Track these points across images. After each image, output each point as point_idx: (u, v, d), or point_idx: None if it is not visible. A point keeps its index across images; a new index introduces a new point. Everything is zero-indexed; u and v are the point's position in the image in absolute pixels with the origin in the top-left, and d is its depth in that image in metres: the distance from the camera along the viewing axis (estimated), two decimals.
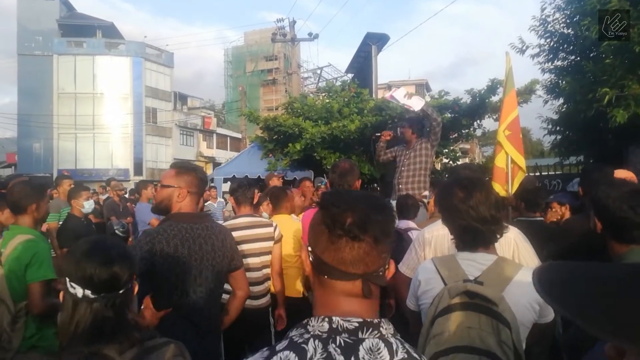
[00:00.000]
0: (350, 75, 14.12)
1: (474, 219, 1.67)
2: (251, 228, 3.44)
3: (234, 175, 11.55)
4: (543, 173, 8.98)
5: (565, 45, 7.84)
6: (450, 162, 10.91)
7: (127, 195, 10.50)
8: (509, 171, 5.33)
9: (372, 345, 0.94)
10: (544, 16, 7.82)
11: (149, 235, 2.20)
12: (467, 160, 16.89)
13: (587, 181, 3.30)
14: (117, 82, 35.37)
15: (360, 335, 0.94)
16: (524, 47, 8.07)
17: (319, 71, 28.36)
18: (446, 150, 10.56)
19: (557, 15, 7.82)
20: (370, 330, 0.95)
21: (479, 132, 10.80)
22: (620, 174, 2.81)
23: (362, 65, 12.50)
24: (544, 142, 13.41)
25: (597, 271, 0.61)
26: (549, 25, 7.83)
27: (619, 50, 6.02)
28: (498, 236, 1.74)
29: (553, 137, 9.31)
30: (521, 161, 5.37)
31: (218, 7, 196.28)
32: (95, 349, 1.32)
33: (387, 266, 1.01)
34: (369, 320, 0.96)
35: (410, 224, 4.08)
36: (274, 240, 3.54)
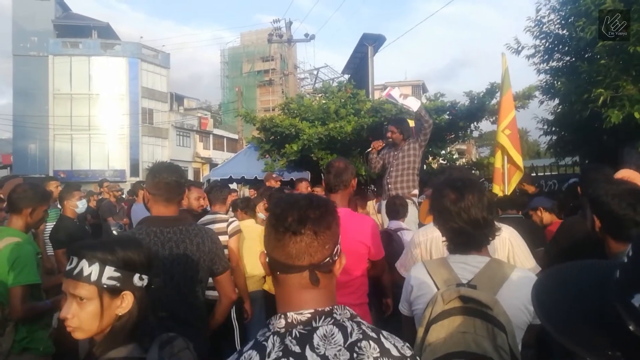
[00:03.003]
0: (346, 76, 14.12)
1: (465, 221, 1.63)
2: (210, 224, 3.66)
3: (230, 176, 11.53)
4: (539, 174, 9.02)
5: (561, 46, 7.87)
6: (447, 163, 10.93)
7: (124, 196, 10.49)
8: (505, 171, 5.39)
9: (326, 332, 1.01)
10: (539, 17, 7.85)
11: None
12: (463, 160, 16.93)
13: (585, 181, 3.30)
14: (113, 83, 35.27)
15: (314, 324, 1.02)
16: (520, 48, 8.11)
17: (315, 72, 28.37)
18: (443, 152, 10.58)
19: (552, 16, 7.85)
20: (323, 318, 1.03)
21: (475, 134, 10.82)
22: (625, 173, 2.82)
23: (358, 66, 12.50)
24: (540, 142, 13.47)
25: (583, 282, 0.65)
26: (544, 26, 7.86)
27: (614, 51, 6.04)
28: (490, 239, 1.71)
29: (549, 137, 9.34)
30: (519, 161, 5.42)
31: (214, 9, 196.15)
32: (126, 350, 1.30)
33: (335, 257, 1.08)
34: (320, 309, 1.04)
35: (401, 224, 4.13)
36: (228, 235, 3.79)
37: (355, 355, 1.01)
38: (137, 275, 1.34)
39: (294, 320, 1.03)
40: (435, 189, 1.80)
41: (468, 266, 1.65)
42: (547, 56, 8.09)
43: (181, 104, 44.14)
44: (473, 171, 9.37)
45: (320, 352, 0.99)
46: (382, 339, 1.08)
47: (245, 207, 4.91)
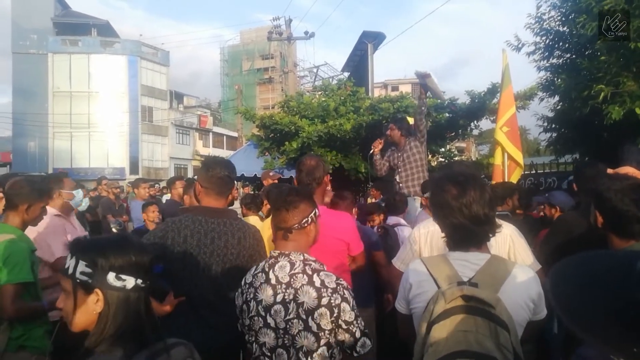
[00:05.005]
0: (346, 74, 14.10)
1: (466, 217, 1.59)
2: None
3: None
4: (539, 171, 9.02)
5: (561, 43, 7.84)
6: (446, 160, 10.92)
7: (123, 194, 10.48)
8: (505, 168, 5.37)
9: (282, 264, 1.83)
10: (539, 14, 7.82)
11: (165, 224, 2.33)
12: (463, 158, 16.90)
13: (581, 178, 3.29)
14: (112, 81, 35.23)
15: (278, 259, 1.85)
16: (520, 45, 8.08)
17: (315, 70, 28.38)
18: (443, 150, 10.56)
19: (552, 13, 7.81)
20: (283, 256, 1.85)
21: (475, 132, 10.80)
22: (625, 170, 2.80)
23: (358, 63, 12.49)
24: (540, 139, 13.47)
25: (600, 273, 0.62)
26: (545, 23, 7.83)
27: (614, 48, 6.02)
28: (490, 235, 1.68)
29: (549, 134, 9.32)
30: (519, 157, 5.41)
31: (214, 7, 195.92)
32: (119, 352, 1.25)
33: (304, 225, 1.88)
34: (283, 252, 1.86)
35: (400, 220, 4.15)
36: None
37: (292, 280, 1.79)
38: (111, 275, 1.29)
39: (271, 255, 1.89)
40: (436, 184, 1.76)
41: (469, 264, 1.62)
42: (547, 53, 8.06)
43: (181, 101, 44.11)
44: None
45: (276, 273, 1.82)
46: (314, 275, 1.78)
47: (249, 204, 4.92)
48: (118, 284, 1.29)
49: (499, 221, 1.72)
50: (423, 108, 5.11)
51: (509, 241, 2.28)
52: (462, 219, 1.60)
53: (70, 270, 1.29)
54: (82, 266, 1.28)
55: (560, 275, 0.67)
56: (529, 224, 3.95)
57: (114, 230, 7.14)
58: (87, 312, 1.29)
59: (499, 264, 1.64)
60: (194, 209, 2.42)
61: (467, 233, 1.63)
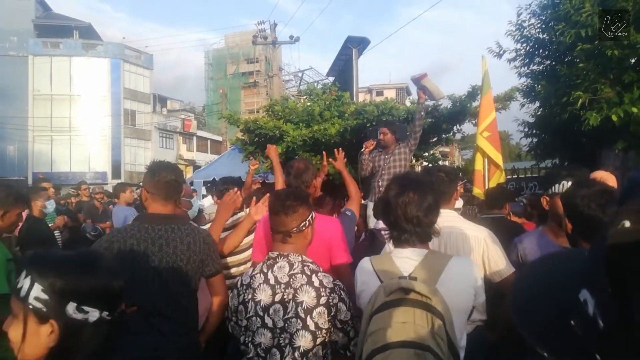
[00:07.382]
0: (331, 79, 14.15)
1: (400, 215, 1.74)
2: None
3: (213, 178, 11.46)
4: (520, 176, 9.16)
5: (541, 50, 8.01)
6: (430, 165, 11.02)
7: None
8: (486, 173, 5.46)
9: (281, 265, 1.91)
10: (520, 21, 7.97)
11: (110, 234, 2.28)
12: (446, 163, 17.06)
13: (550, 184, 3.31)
14: (94, 84, 34.73)
15: (277, 260, 1.93)
16: (501, 52, 8.22)
17: (300, 74, 28.37)
18: (426, 154, 10.65)
19: (532, 20, 7.98)
20: (282, 257, 1.93)
21: (458, 136, 10.92)
22: (597, 174, 2.83)
23: (343, 68, 12.56)
24: (521, 144, 13.69)
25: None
26: (525, 30, 7.99)
27: (592, 55, 6.16)
28: (426, 239, 1.80)
29: (529, 140, 9.49)
30: (499, 159, 5.51)
31: (198, 11, 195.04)
32: None
33: (303, 228, 1.96)
34: (282, 253, 1.94)
35: None
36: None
37: (291, 280, 1.86)
38: (72, 305, 1.06)
39: (269, 256, 1.96)
40: (387, 183, 1.94)
41: (409, 260, 1.75)
42: (527, 60, 8.21)
43: (164, 105, 43.71)
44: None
45: (275, 274, 1.89)
46: (313, 276, 1.86)
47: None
48: (79, 316, 1.07)
49: (478, 225, 1.77)
50: (422, 113, 5.13)
51: (482, 245, 2.33)
52: (396, 216, 1.75)
53: (23, 292, 1.07)
54: (37, 290, 1.06)
55: (517, 282, 0.68)
56: (505, 227, 4.04)
57: (88, 235, 6.90)
58: (38, 344, 1.09)
59: (435, 258, 1.78)
60: (141, 217, 2.35)
61: (401, 231, 1.77)
